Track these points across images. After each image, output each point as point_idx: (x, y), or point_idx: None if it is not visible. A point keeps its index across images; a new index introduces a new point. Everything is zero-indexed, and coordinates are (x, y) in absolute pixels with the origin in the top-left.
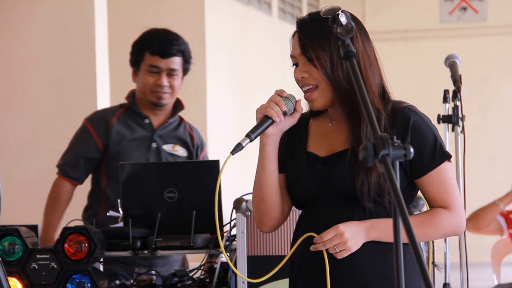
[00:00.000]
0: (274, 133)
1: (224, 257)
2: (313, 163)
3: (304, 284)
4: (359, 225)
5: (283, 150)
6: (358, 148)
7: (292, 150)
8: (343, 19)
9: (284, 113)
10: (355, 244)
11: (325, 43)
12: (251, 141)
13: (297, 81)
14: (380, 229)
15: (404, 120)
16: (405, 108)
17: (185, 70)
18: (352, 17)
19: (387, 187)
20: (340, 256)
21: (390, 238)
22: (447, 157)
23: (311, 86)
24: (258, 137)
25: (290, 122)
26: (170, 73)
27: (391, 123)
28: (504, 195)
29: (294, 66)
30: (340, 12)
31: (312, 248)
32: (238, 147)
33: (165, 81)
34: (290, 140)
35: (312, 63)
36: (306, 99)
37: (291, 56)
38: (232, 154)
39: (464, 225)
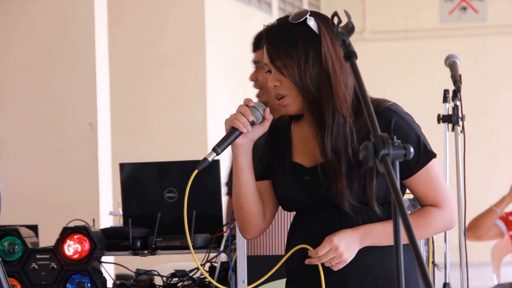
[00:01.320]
0: (244, 143)
1: (224, 257)
2: (300, 174)
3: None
4: (353, 234)
5: (268, 156)
6: (325, 159)
7: (278, 158)
8: (311, 23)
9: (252, 123)
10: (350, 255)
11: (292, 50)
12: (217, 154)
13: (270, 89)
14: (374, 235)
15: (385, 122)
16: (385, 109)
17: None
18: (320, 20)
19: (373, 193)
20: (336, 268)
21: (384, 243)
22: (432, 156)
23: (282, 96)
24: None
25: (260, 130)
26: None
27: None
28: (500, 200)
29: (268, 73)
30: (308, 16)
31: (307, 262)
32: (204, 162)
33: None
34: (274, 145)
35: (280, 71)
36: (279, 105)
37: (264, 63)
38: (198, 170)
39: (456, 219)
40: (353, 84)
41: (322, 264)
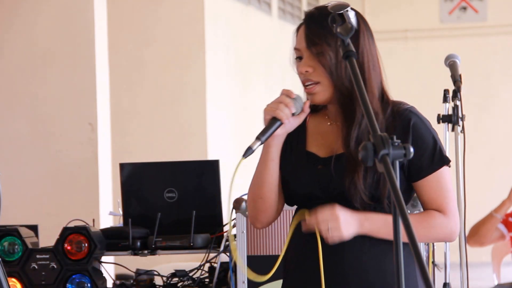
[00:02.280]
0: (281, 134)
1: (224, 257)
2: (314, 163)
3: (297, 281)
4: (353, 214)
5: (281, 147)
6: (346, 150)
7: (290, 148)
8: (351, 16)
9: (292, 115)
10: (347, 231)
11: (331, 39)
12: (261, 143)
13: (300, 74)
14: (373, 223)
15: (404, 122)
16: (405, 110)
17: None
18: (359, 16)
19: (386, 190)
20: (331, 240)
21: (382, 234)
22: (446, 161)
23: (313, 83)
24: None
25: (296, 122)
26: None
27: (391, 125)
28: (499, 205)
29: (297, 59)
30: (349, 9)
31: (304, 229)
32: (249, 151)
33: None
34: (288, 136)
35: (317, 58)
36: (306, 92)
37: (296, 49)
38: (244, 158)
39: (457, 233)
40: (380, 85)
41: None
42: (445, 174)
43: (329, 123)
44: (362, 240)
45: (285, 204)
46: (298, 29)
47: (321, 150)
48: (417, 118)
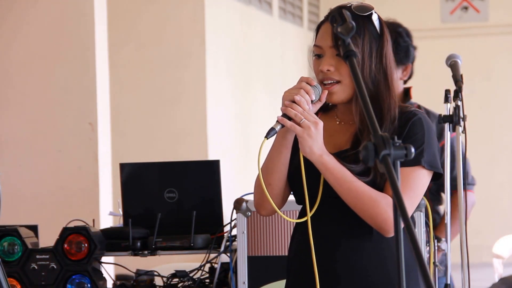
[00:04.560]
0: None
1: (224, 258)
2: None
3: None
4: (323, 145)
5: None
6: (353, 146)
7: (297, 143)
8: (375, 19)
9: (311, 102)
10: (314, 145)
11: (358, 40)
12: (282, 126)
13: (319, 72)
14: (333, 161)
15: (407, 119)
16: (411, 112)
17: None
18: (382, 21)
19: (385, 188)
20: (300, 133)
21: (334, 175)
22: (418, 162)
23: (333, 81)
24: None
25: (312, 110)
26: None
27: (397, 127)
28: None
29: (315, 57)
30: (373, 11)
31: (282, 109)
32: (272, 131)
33: None
34: None
35: (341, 57)
36: (324, 90)
37: (316, 46)
38: (267, 139)
39: (390, 231)
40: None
41: (318, 264)
42: (416, 174)
43: (338, 122)
44: (357, 240)
45: (285, 205)
46: (319, 26)
47: (328, 148)
48: (418, 119)
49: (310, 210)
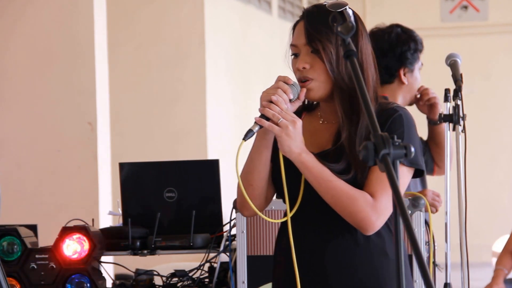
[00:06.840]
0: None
1: (224, 257)
2: None
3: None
4: (303, 142)
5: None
6: (348, 146)
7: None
8: (350, 15)
9: (290, 101)
10: (292, 143)
11: (332, 36)
12: (261, 127)
13: (296, 71)
14: (313, 160)
15: (388, 116)
16: (392, 108)
17: None
18: (356, 16)
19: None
20: (278, 132)
21: (312, 174)
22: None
23: (308, 79)
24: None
25: (291, 109)
26: None
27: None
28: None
29: (293, 56)
30: (347, 7)
31: (260, 110)
32: (250, 133)
33: None
34: None
35: (317, 54)
36: (302, 87)
37: (292, 45)
38: (245, 141)
39: (373, 224)
40: (374, 84)
41: (303, 263)
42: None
43: (321, 122)
44: (342, 238)
45: (275, 204)
46: (295, 26)
47: (309, 147)
48: (401, 115)
49: (291, 210)
